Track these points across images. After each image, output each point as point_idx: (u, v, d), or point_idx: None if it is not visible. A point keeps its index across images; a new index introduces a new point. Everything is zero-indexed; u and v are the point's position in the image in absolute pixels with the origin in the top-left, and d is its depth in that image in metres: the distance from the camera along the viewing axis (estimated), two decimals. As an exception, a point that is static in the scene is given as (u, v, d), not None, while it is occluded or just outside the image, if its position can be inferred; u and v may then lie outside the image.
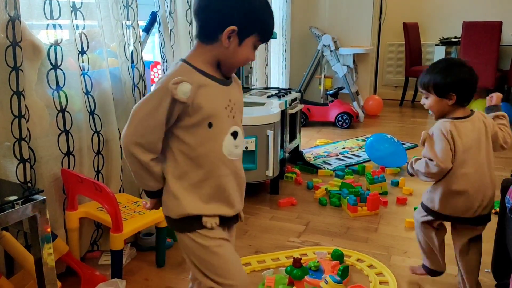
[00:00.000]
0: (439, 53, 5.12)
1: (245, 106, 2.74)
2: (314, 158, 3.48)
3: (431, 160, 1.53)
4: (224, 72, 1.15)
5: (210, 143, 1.12)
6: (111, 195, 1.63)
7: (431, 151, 1.54)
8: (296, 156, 3.37)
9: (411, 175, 1.67)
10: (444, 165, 1.51)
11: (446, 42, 5.21)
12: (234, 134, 1.15)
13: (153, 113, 1.07)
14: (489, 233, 2.18)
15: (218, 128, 1.12)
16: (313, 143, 3.94)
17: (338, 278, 1.71)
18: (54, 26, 1.67)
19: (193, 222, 1.14)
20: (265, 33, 1.14)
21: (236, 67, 1.17)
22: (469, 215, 1.58)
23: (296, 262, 1.75)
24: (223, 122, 1.13)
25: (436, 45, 5.19)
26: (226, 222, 1.19)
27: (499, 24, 4.47)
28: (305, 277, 1.78)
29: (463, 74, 1.54)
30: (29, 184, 1.58)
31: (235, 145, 1.16)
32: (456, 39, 5.20)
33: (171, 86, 1.04)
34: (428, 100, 1.60)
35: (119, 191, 2.02)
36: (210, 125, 1.10)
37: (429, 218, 1.66)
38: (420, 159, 1.60)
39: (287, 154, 3.10)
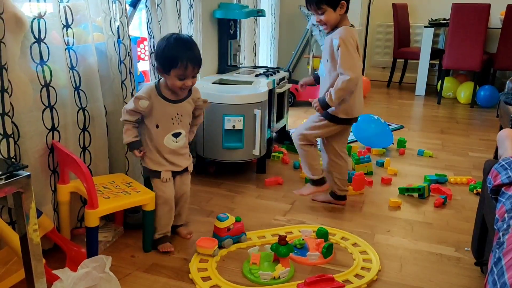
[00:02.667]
0: (428, 35, 5.11)
1: (232, 84, 2.75)
2: (301, 137, 3.48)
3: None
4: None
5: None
6: (85, 171, 1.62)
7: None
8: (283, 136, 3.38)
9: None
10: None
11: (434, 24, 5.20)
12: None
13: None
14: (469, 212, 2.23)
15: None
16: (300, 123, 3.94)
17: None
18: (38, -1, 1.62)
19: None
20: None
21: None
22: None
23: (282, 240, 1.78)
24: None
25: (425, 26, 5.17)
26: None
27: (488, 7, 4.48)
28: (290, 254, 1.81)
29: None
30: (13, 160, 1.56)
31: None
32: (445, 21, 5.19)
33: None
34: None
35: (108, 170, 2.01)
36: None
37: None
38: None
39: (274, 134, 3.11)
